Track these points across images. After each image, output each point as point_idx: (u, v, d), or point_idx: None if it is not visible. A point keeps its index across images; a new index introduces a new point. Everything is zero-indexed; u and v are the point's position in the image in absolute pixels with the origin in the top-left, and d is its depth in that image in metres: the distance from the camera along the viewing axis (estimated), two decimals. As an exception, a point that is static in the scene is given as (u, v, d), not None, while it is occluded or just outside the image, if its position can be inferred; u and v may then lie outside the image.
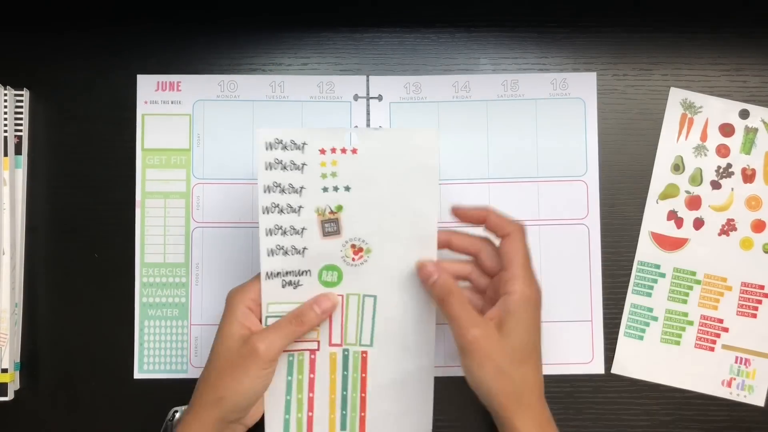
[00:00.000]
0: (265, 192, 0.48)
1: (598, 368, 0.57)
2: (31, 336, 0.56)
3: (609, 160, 0.57)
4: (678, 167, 0.57)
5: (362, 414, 0.51)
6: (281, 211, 0.48)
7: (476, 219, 0.49)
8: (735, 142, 0.57)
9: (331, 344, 0.51)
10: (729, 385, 0.56)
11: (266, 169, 0.48)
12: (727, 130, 0.57)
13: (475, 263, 0.50)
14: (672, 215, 0.57)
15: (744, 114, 0.57)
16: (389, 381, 0.51)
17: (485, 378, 0.46)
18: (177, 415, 0.51)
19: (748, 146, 0.57)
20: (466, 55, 0.58)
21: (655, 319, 0.57)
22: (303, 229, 0.49)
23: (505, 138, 0.57)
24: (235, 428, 0.49)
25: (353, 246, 0.49)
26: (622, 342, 0.57)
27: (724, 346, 0.57)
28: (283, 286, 0.49)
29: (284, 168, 0.48)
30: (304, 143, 0.48)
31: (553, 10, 0.58)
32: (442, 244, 0.49)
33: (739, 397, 0.56)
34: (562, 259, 0.57)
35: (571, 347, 0.57)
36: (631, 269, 0.57)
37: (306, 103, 0.57)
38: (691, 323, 0.57)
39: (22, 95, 0.57)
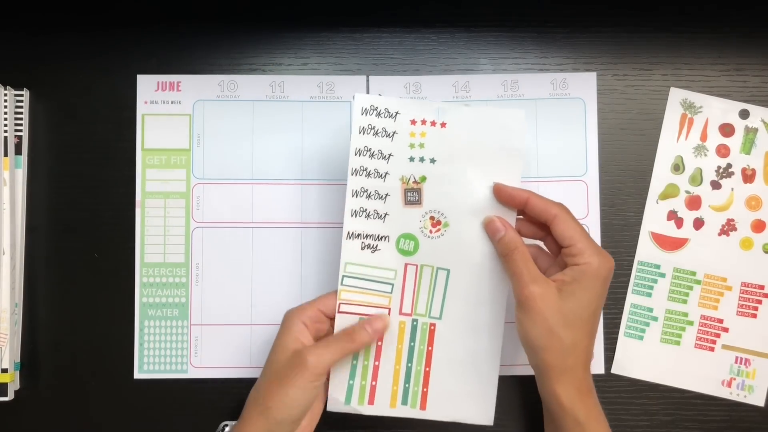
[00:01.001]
0: (355, 154, 0.50)
1: (598, 368, 0.57)
2: (31, 336, 0.56)
3: (609, 160, 0.57)
4: (678, 167, 0.57)
5: (425, 389, 0.51)
6: (368, 174, 0.50)
7: (517, 201, 0.49)
8: (735, 142, 0.57)
9: (401, 313, 0.51)
10: (729, 385, 0.56)
11: (359, 133, 0.50)
12: (727, 130, 0.57)
13: (548, 230, 0.50)
14: (672, 215, 0.57)
15: (744, 114, 0.57)
16: (454, 358, 0.51)
17: (535, 334, 0.47)
18: (227, 429, 0.52)
19: (748, 146, 0.57)
20: (466, 55, 0.58)
21: (655, 319, 0.57)
22: (387, 195, 0.50)
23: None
24: None
25: (432, 218, 0.50)
26: (622, 342, 0.57)
27: (724, 346, 0.57)
28: (362, 249, 0.50)
29: (376, 134, 0.50)
30: (397, 112, 0.50)
31: (553, 10, 0.58)
32: (520, 203, 0.49)
33: (739, 397, 0.56)
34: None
35: None
36: (631, 269, 0.57)
37: (306, 103, 0.57)
38: (691, 323, 0.57)
39: (22, 95, 0.57)
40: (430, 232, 0.50)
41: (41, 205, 0.57)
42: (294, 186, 0.57)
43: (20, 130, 0.56)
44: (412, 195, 0.50)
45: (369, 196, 0.50)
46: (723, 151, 0.57)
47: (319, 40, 0.58)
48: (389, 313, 0.51)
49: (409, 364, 0.51)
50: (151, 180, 0.57)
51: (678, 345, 0.57)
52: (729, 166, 0.57)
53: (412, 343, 0.51)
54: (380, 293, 0.51)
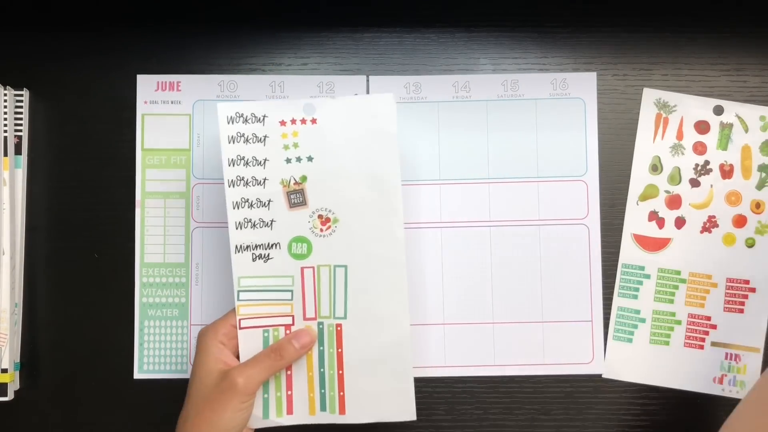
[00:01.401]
0: (229, 165, 0.49)
1: (598, 368, 0.57)
2: (31, 336, 0.56)
3: (609, 160, 0.57)
4: (656, 167, 0.57)
5: (341, 393, 0.50)
6: (246, 183, 0.49)
7: None
8: (711, 138, 0.57)
9: (305, 318, 0.50)
10: (720, 381, 0.56)
11: (229, 142, 0.49)
12: (702, 127, 0.57)
13: None
14: (653, 216, 0.57)
15: (718, 110, 0.57)
16: (365, 356, 0.50)
17: None
18: None
19: (724, 142, 0.57)
20: (466, 55, 0.58)
21: (643, 320, 0.57)
22: (269, 201, 0.50)
23: (505, 138, 0.57)
24: None
25: (320, 216, 0.50)
26: (612, 346, 0.57)
27: (713, 344, 0.57)
28: (254, 260, 0.50)
29: (246, 141, 0.49)
30: (264, 116, 0.49)
31: (553, 10, 0.58)
32: None
33: (731, 394, 0.56)
34: (562, 259, 0.57)
35: (571, 347, 0.57)
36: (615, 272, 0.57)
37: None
38: (679, 323, 0.57)
39: (22, 95, 0.57)
40: (321, 230, 0.50)
41: (41, 205, 0.57)
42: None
43: (20, 130, 0.56)
44: (296, 197, 0.50)
45: (251, 206, 0.50)
46: (700, 148, 0.57)
47: (319, 40, 0.58)
48: (293, 321, 0.50)
49: (322, 369, 0.51)
50: (151, 180, 0.57)
51: (667, 345, 0.57)
52: (707, 163, 0.57)
53: (321, 347, 0.50)
54: (280, 302, 0.50)
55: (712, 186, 0.57)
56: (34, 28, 0.58)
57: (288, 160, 0.49)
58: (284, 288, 0.50)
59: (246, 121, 0.49)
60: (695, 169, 0.57)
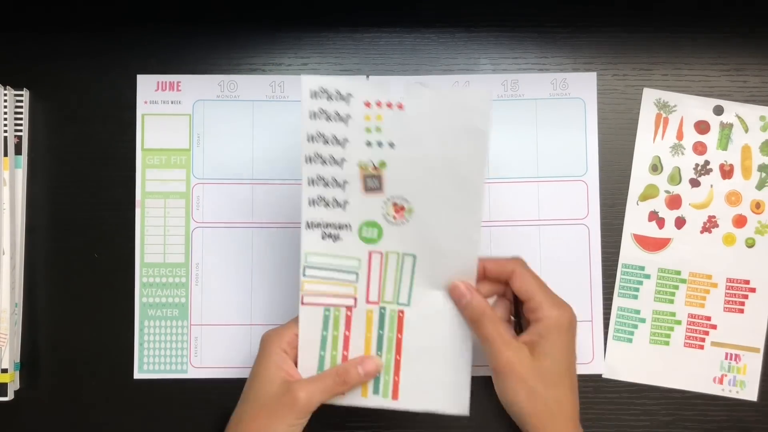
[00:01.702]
0: (308, 141, 0.47)
1: (598, 368, 0.57)
2: (31, 336, 0.56)
3: (609, 160, 0.57)
4: (656, 167, 0.57)
5: (396, 378, 0.50)
6: (324, 162, 0.48)
7: (476, 278, 0.49)
8: (711, 138, 0.57)
9: (368, 301, 0.50)
10: (720, 381, 0.56)
11: (310, 118, 0.47)
12: (702, 127, 0.57)
13: (506, 285, 0.50)
14: (653, 216, 0.57)
15: (718, 110, 0.57)
16: (424, 345, 0.50)
17: (517, 400, 0.47)
18: None
19: (724, 142, 0.57)
20: (466, 55, 0.58)
21: (643, 320, 0.57)
22: (345, 182, 0.48)
23: (505, 138, 0.57)
24: None
25: (395, 204, 0.48)
26: (612, 346, 0.57)
27: (713, 344, 0.57)
28: (323, 238, 0.49)
29: (328, 118, 0.47)
30: (349, 94, 0.47)
31: (553, 10, 0.58)
32: (480, 276, 0.49)
33: (731, 394, 0.56)
34: (562, 259, 0.57)
35: None
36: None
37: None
38: (679, 323, 0.57)
39: (22, 95, 0.57)
40: (394, 218, 0.49)
41: (41, 205, 0.57)
42: (294, 186, 0.57)
43: (20, 130, 0.56)
44: (372, 181, 0.48)
45: (327, 184, 0.48)
46: (700, 148, 0.57)
47: (319, 40, 0.58)
48: (355, 303, 0.49)
49: (379, 353, 0.50)
50: (150, 180, 0.57)
51: (667, 345, 0.57)
52: (707, 163, 0.57)
53: (381, 331, 0.50)
54: (345, 282, 0.49)
55: (712, 186, 0.57)
56: (34, 29, 0.58)
57: (369, 144, 0.47)
58: (350, 269, 0.49)
59: (330, 98, 0.47)
60: (695, 169, 0.57)
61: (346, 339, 0.50)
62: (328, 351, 0.50)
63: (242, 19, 0.58)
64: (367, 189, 0.48)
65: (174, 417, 0.56)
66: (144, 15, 0.58)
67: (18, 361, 0.56)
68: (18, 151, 0.56)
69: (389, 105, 0.47)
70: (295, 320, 0.49)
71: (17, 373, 0.56)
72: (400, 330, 0.50)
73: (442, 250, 0.49)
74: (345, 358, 0.50)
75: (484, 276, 0.49)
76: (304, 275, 0.49)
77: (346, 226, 0.49)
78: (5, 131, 0.55)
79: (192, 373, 0.56)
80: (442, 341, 0.50)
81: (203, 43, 0.58)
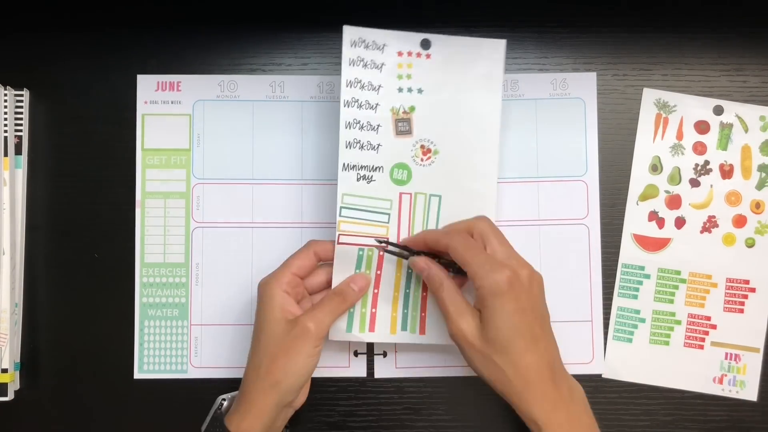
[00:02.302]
0: (346, 86, 0.52)
1: (598, 368, 0.57)
2: (31, 336, 0.56)
3: (609, 160, 0.57)
4: (656, 167, 0.57)
5: (422, 314, 0.53)
6: (360, 106, 0.52)
7: (420, 246, 0.51)
8: (711, 138, 0.57)
9: (398, 241, 0.52)
10: (720, 381, 0.56)
11: (349, 64, 0.52)
12: (702, 127, 0.57)
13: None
14: (653, 216, 0.57)
15: (718, 110, 0.57)
16: None
17: (478, 368, 0.47)
18: (225, 404, 0.51)
19: (724, 142, 0.57)
20: (466, 55, 0.58)
21: (643, 320, 0.57)
22: (378, 126, 0.52)
23: (505, 138, 0.57)
24: (287, 413, 0.50)
25: (422, 147, 0.52)
26: (612, 346, 0.57)
27: (713, 343, 0.57)
28: (358, 180, 0.52)
29: (365, 66, 0.52)
30: (384, 44, 0.52)
31: (553, 10, 0.58)
32: (421, 246, 0.51)
33: (731, 394, 0.56)
34: (562, 259, 0.57)
35: (572, 347, 0.56)
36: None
37: (306, 103, 0.57)
38: (678, 323, 0.57)
39: (22, 95, 0.57)
40: (422, 160, 0.52)
41: (41, 205, 0.57)
42: (294, 186, 0.57)
43: (20, 130, 0.56)
44: (403, 125, 0.52)
45: (362, 128, 0.52)
46: (700, 148, 0.57)
47: (319, 40, 0.58)
48: (386, 242, 0.52)
49: (407, 290, 0.53)
50: (151, 180, 0.57)
51: (667, 345, 0.57)
52: (707, 163, 0.57)
53: (410, 270, 0.52)
54: (377, 223, 0.52)
55: (712, 186, 0.57)
56: (34, 29, 0.58)
57: (400, 90, 0.52)
58: (383, 210, 0.52)
59: (368, 46, 0.52)
60: (695, 169, 0.57)
61: (378, 277, 0.53)
62: None
63: (242, 19, 0.58)
64: (398, 132, 0.52)
65: (174, 417, 0.56)
66: (144, 15, 0.58)
67: (18, 361, 0.56)
68: (18, 151, 0.56)
69: (419, 54, 0.52)
70: (292, 260, 0.50)
71: (17, 373, 0.56)
72: None
73: (464, 189, 0.52)
74: (375, 296, 0.53)
75: (426, 247, 0.51)
76: (340, 215, 0.52)
77: (379, 168, 0.52)
78: (5, 131, 0.55)
79: (192, 373, 0.56)
80: None
81: (203, 43, 0.58)
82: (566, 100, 0.57)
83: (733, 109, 0.57)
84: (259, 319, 0.50)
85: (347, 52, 0.51)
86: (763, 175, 0.57)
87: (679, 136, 0.57)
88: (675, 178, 0.57)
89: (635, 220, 0.57)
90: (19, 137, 0.56)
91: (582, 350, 0.57)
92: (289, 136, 0.57)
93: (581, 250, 0.57)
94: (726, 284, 0.57)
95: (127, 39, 0.58)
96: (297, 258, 0.51)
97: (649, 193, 0.57)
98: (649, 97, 0.58)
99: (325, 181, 0.57)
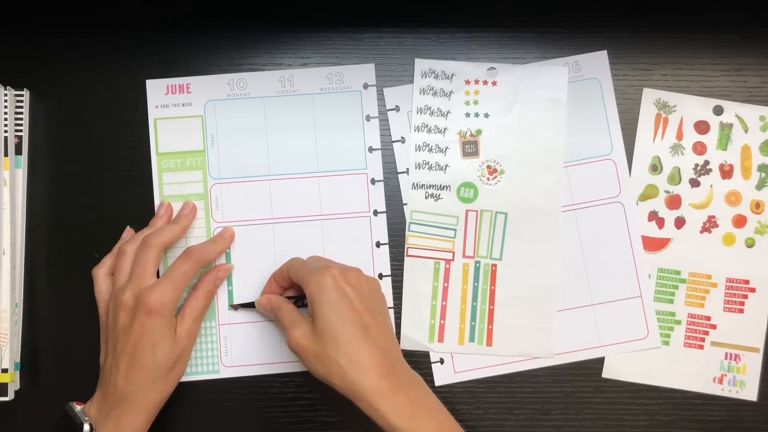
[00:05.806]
0: (417, 113, 0.56)
1: (655, 342, 0.56)
2: (31, 336, 0.56)
3: (610, 160, 0.57)
4: (656, 167, 0.57)
5: (490, 327, 0.56)
6: (429, 130, 0.57)
7: (273, 289, 0.55)
8: (711, 138, 0.57)
9: (464, 256, 0.56)
10: (720, 381, 0.57)
11: (420, 93, 0.57)
12: (702, 127, 0.57)
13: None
14: (653, 216, 0.57)
15: (718, 110, 0.57)
16: (515, 295, 0.56)
17: (317, 369, 0.48)
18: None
19: (724, 142, 0.57)
20: (466, 55, 0.58)
21: None
22: (446, 148, 0.57)
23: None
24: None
25: (489, 167, 0.56)
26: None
27: (713, 343, 0.57)
28: (426, 198, 0.57)
29: (435, 94, 0.57)
30: (453, 74, 0.57)
31: (553, 10, 0.58)
32: (274, 286, 0.55)
33: (731, 394, 0.56)
34: (602, 239, 0.57)
35: (625, 325, 0.56)
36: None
37: (317, 95, 0.57)
38: (678, 322, 0.57)
39: (22, 95, 0.57)
40: (488, 179, 0.56)
41: (41, 205, 0.57)
42: (311, 179, 0.57)
43: (20, 130, 0.56)
44: (470, 147, 0.56)
45: (431, 150, 0.57)
46: (699, 148, 0.57)
47: (319, 40, 0.58)
48: (453, 257, 0.56)
49: (474, 303, 0.56)
50: (168, 183, 0.57)
51: (667, 345, 0.57)
52: (706, 163, 0.57)
53: (476, 284, 0.56)
54: (444, 238, 0.56)
55: (711, 186, 0.57)
56: (34, 29, 0.58)
57: (467, 115, 0.57)
58: (449, 226, 0.56)
59: (437, 77, 0.57)
60: (695, 169, 0.57)
61: (445, 290, 0.56)
62: (428, 301, 0.56)
63: (242, 20, 0.58)
64: (465, 154, 0.57)
65: (173, 416, 0.56)
66: (144, 15, 0.58)
67: (18, 361, 0.56)
68: (18, 151, 0.56)
69: (485, 82, 0.57)
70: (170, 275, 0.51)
71: (17, 373, 0.55)
72: (493, 282, 0.56)
73: (531, 206, 0.56)
74: (444, 308, 0.56)
75: (278, 286, 0.54)
76: (409, 230, 0.56)
77: (446, 187, 0.57)
78: (5, 131, 0.55)
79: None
80: (532, 291, 0.56)
81: (204, 43, 0.58)
82: (581, 83, 0.57)
83: (733, 109, 0.57)
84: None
85: (418, 82, 0.57)
86: (763, 175, 0.57)
87: (679, 136, 0.57)
88: (675, 178, 0.57)
89: (635, 220, 0.57)
90: (19, 137, 0.56)
91: (636, 327, 0.57)
92: (301, 130, 0.57)
93: (619, 227, 0.57)
94: (726, 284, 0.57)
95: (127, 38, 0.58)
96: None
97: (649, 193, 0.57)
98: (649, 97, 0.58)
99: (342, 172, 0.57)
